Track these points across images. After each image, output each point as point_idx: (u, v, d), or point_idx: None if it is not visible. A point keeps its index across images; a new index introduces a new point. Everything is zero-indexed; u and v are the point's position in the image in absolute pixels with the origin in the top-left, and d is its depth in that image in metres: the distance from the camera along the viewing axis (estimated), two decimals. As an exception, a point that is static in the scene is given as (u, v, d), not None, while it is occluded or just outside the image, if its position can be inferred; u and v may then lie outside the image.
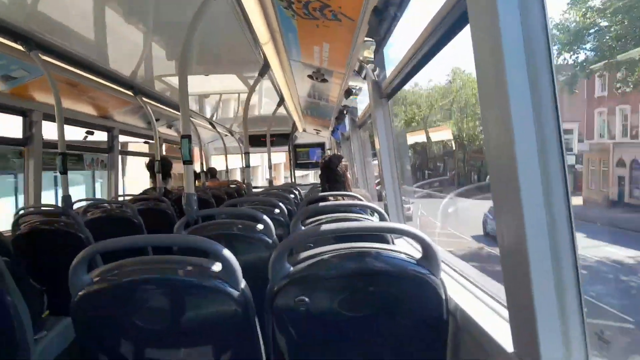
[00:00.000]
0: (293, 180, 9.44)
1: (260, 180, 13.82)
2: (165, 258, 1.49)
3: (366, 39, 2.56)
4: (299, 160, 9.65)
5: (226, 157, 8.83)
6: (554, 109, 1.03)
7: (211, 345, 1.44)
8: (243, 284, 1.41)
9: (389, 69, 2.91)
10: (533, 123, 1.03)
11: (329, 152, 9.67)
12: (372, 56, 2.79)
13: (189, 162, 2.48)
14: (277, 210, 3.02)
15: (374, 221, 2.39)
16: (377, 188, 5.38)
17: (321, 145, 9.78)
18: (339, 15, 2.47)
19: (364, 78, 3.18)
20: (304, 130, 9.46)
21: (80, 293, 1.37)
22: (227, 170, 8.75)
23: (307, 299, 1.40)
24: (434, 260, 1.41)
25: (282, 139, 9.24)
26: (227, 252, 1.40)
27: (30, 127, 3.94)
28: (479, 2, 1.10)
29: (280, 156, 11.30)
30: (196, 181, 6.77)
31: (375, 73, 2.91)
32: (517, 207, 1.03)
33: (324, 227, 1.53)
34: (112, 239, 1.49)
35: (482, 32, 1.10)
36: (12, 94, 3.64)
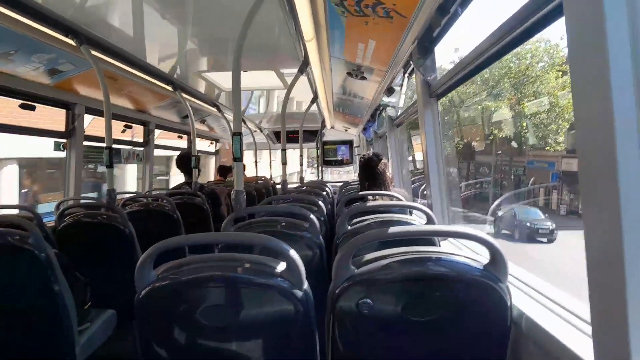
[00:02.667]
0: (321, 177, 9.43)
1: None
2: (228, 256, 1.50)
3: (419, 37, 2.53)
4: (326, 157, 9.62)
5: (255, 152, 8.86)
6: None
7: (270, 344, 1.43)
8: (306, 284, 1.41)
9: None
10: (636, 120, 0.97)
11: (356, 150, 9.62)
12: (422, 55, 2.75)
13: (239, 159, 2.48)
14: (314, 208, 3.00)
15: (421, 222, 2.36)
16: (413, 187, 5.32)
17: (349, 143, 9.73)
18: (391, 12, 2.43)
19: (409, 76, 3.14)
20: (332, 127, 9.43)
21: (145, 289, 1.38)
22: (256, 166, 8.78)
23: (370, 302, 1.38)
24: (501, 266, 1.39)
25: (310, 135, 9.23)
26: (292, 252, 1.40)
27: (73, 120, 4.00)
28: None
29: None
30: (227, 176, 6.80)
31: (423, 72, 2.86)
32: (614, 210, 0.97)
33: (389, 230, 1.51)
34: (178, 236, 1.51)
35: (581, 23, 1.04)
36: (57, 87, 3.69)
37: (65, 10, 2.66)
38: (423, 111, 2.92)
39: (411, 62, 2.90)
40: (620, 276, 0.98)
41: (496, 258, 1.39)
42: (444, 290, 1.39)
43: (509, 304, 1.38)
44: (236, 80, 2.43)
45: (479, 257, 1.48)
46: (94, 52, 3.13)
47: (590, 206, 1.07)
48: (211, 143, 8.69)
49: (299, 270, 1.39)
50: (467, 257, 1.44)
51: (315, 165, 9.77)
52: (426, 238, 1.98)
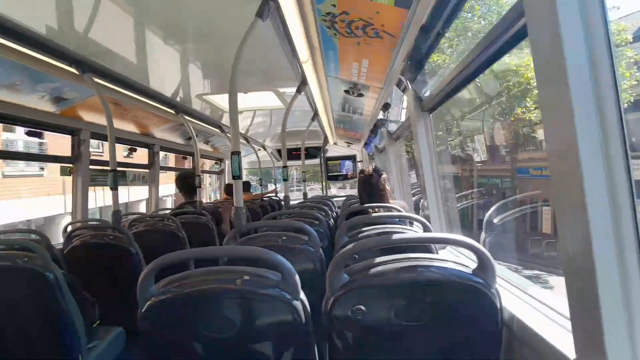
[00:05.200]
0: (325, 193, 9.49)
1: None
2: (227, 268, 1.55)
3: (409, 55, 2.61)
4: (330, 172, 9.71)
5: (260, 170, 8.95)
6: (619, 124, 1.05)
7: (271, 353, 1.48)
8: (302, 294, 1.46)
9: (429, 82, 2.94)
10: (599, 134, 1.05)
11: (360, 165, 9.69)
12: (413, 71, 2.83)
13: (238, 177, 2.56)
14: (316, 222, 3.06)
15: (419, 232, 2.40)
16: (414, 199, 5.36)
17: (352, 158, 9.82)
18: (380, 32, 2.52)
19: (403, 92, 3.22)
20: (335, 144, 9.52)
21: (148, 303, 1.43)
22: (261, 184, 8.86)
23: (364, 308, 1.43)
24: (489, 270, 1.43)
25: (314, 151, 9.34)
26: (287, 263, 1.46)
27: (79, 145, 4.12)
28: (539, 15, 1.13)
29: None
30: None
31: (415, 88, 2.94)
32: (582, 213, 1.05)
33: (380, 238, 1.57)
34: (178, 251, 1.57)
35: (542, 45, 1.13)
36: (62, 114, 3.81)
37: (68, 41, 2.77)
38: (416, 125, 2.99)
39: (403, 78, 2.98)
40: (592, 275, 1.05)
41: (484, 263, 1.43)
42: (434, 295, 1.43)
43: (498, 307, 1.41)
44: (233, 102, 2.53)
45: (472, 264, 1.53)
46: (97, 80, 3.24)
47: (563, 216, 1.14)
48: (216, 163, 8.80)
49: (294, 280, 1.44)
50: (457, 263, 1.48)
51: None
52: (424, 247, 2.04)
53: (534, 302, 1.65)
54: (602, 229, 1.04)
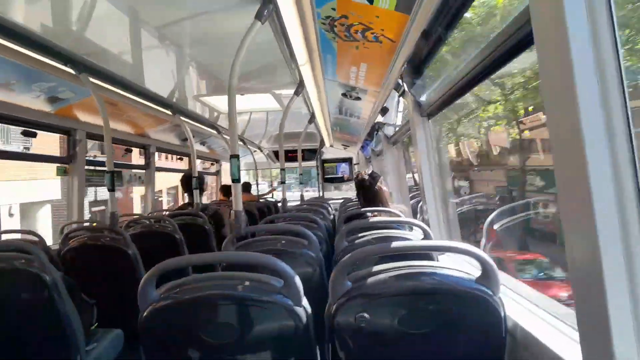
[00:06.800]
0: (322, 194, 9.51)
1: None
2: (227, 274, 1.56)
3: (408, 60, 2.60)
4: (327, 175, 9.74)
5: (256, 173, 8.93)
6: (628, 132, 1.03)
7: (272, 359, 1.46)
8: (304, 300, 1.45)
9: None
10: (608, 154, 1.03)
11: (356, 167, 9.71)
12: (412, 76, 2.82)
13: (237, 180, 2.55)
14: (314, 225, 3.05)
15: (419, 237, 2.39)
16: (412, 202, 5.34)
17: (348, 160, 9.85)
18: (380, 37, 2.50)
19: (402, 96, 3.20)
20: (331, 146, 9.53)
21: (148, 309, 1.43)
22: (257, 185, 8.84)
23: (367, 316, 1.42)
24: (493, 279, 1.42)
25: (310, 154, 9.35)
26: (290, 270, 1.45)
27: (74, 145, 4.09)
28: (546, 23, 1.11)
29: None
30: (230, 196, 6.88)
31: (414, 92, 2.93)
32: (590, 223, 1.02)
33: (384, 245, 1.56)
34: (179, 257, 1.57)
35: (550, 54, 1.11)
36: (57, 114, 3.78)
37: (64, 40, 2.74)
38: (415, 130, 2.99)
39: (401, 83, 2.97)
40: (600, 282, 1.02)
41: (488, 271, 1.42)
42: (437, 303, 1.42)
43: (502, 315, 1.40)
44: (232, 106, 2.51)
45: (473, 270, 1.51)
46: (92, 80, 3.21)
47: (569, 224, 1.11)
48: (212, 164, 8.78)
49: (297, 287, 1.43)
50: (460, 271, 1.47)
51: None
52: (424, 253, 2.02)
53: (538, 311, 1.64)
54: (609, 237, 1.02)
